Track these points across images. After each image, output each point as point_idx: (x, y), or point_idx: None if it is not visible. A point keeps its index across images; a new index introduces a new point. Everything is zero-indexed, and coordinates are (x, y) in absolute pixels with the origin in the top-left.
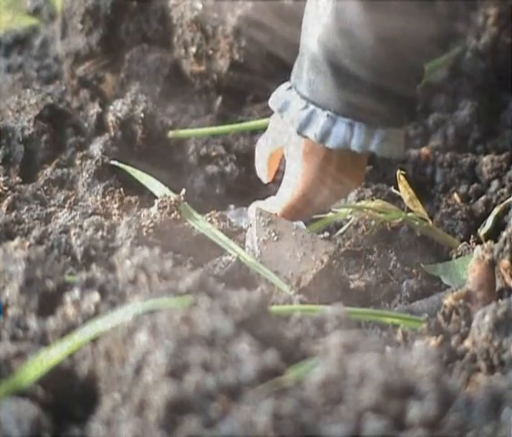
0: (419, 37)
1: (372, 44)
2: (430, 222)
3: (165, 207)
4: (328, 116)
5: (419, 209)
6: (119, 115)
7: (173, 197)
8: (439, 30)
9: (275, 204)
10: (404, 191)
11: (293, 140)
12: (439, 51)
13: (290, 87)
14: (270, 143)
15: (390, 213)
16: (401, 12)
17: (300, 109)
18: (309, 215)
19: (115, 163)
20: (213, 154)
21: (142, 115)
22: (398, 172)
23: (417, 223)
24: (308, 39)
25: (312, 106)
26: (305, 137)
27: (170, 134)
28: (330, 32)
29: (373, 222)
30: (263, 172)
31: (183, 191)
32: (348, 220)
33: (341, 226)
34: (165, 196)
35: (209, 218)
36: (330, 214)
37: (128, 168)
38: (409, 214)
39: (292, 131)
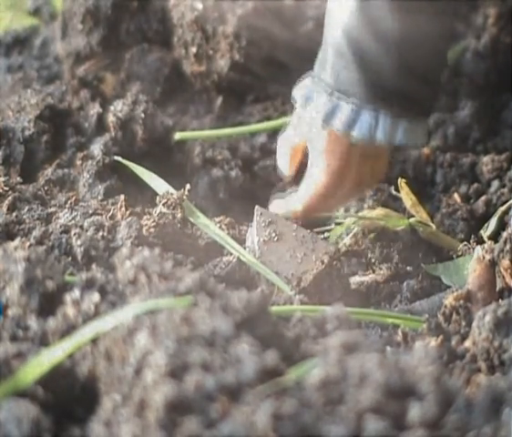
0: (444, 23)
1: (397, 32)
2: (433, 227)
3: (167, 204)
4: (353, 105)
5: (422, 215)
6: (120, 115)
7: (176, 193)
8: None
9: (297, 197)
10: (407, 198)
11: (317, 132)
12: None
13: (313, 79)
14: (292, 136)
15: (393, 220)
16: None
17: (324, 100)
18: (330, 209)
19: (118, 159)
20: (219, 157)
21: (143, 115)
22: (400, 179)
23: (421, 229)
24: (332, 30)
25: (336, 96)
26: (330, 127)
27: (176, 136)
28: (354, 21)
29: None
30: (285, 166)
31: (188, 186)
32: (351, 230)
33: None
34: (167, 193)
35: (218, 225)
36: (333, 225)
37: (131, 165)
38: (412, 219)
39: (317, 122)
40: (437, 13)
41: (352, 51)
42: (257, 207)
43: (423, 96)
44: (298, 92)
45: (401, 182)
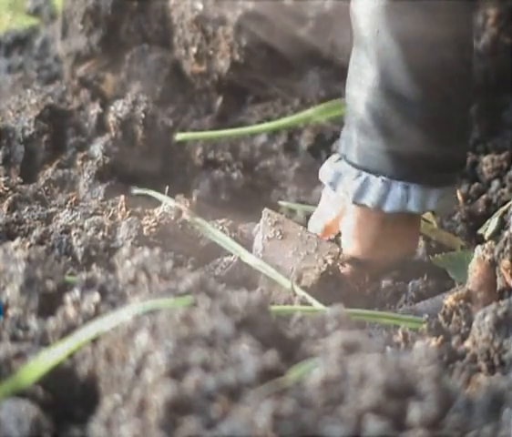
0: (467, 82)
1: (420, 100)
2: (435, 224)
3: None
4: (382, 181)
5: None
6: (120, 115)
7: (184, 206)
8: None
9: None
10: None
11: (348, 210)
12: None
13: (339, 158)
14: (323, 217)
15: None
16: (445, 63)
17: (353, 179)
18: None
19: (136, 190)
20: (220, 159)
21: (143, 115)
22: None
23: (422, 226)
24: (354, 107)
25: (365, 174)
26: (361, 205)
27: (178, 136)
28: (376, 95)
29: None
30: None
31: (194, 198)
32: None
33: None
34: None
35: (220, 227)
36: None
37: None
38: None
39: (347, 201)
40: (460, 73)
41: (376, 126)
42: (265, 209)
43: (452, 161)
44: (325, 172)
45: None
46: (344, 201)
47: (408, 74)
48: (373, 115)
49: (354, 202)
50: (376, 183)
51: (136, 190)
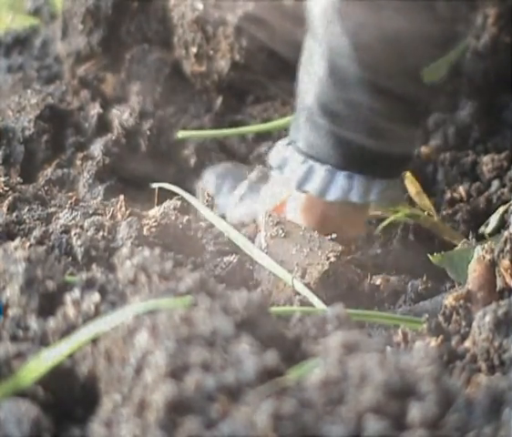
0: (417, 77)
1: (368, 93)
2: (436, 217)
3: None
4: (327, 170)
5: (426, 203)
6: (125, 124)
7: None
8: (440, 34)
9: None
10: (411, 186)
11: (294, 195)
12: (439, 52)
13: (288, 143)
14: (271, 199)
15: (396, 210)
16: (395, 57)
17: (298, 165)
18: None
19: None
20: (218, 160)
21: (148, 132)
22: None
23: (423, 218)
24: (304, 95)
25: (310, 161)
26: (305, 191)
27: (179, 134)
28: (325, 86)
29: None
30: None
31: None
32: None
33: None
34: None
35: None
36: None
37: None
38: (414, 210)
39: (293, 186)
40: (408, 74)
41: (323, 116)
42: (266, 210)
43: (396, 154)
44: (274, 156)
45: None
46: (290, 186)
47: (357, 66)
48: (321, 104)
49: (298, 188)
50: (320, 171)
51: (154, 184)
